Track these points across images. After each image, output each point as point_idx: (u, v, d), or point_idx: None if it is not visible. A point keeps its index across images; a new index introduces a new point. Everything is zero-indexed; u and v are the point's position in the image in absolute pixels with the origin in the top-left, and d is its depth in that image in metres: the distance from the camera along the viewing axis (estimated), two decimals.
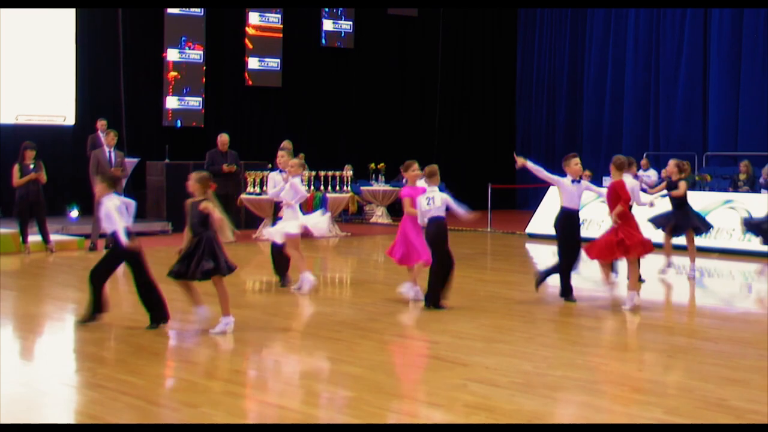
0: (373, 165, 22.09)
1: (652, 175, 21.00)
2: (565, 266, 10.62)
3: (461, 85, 26.33)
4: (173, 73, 21.48)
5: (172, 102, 21.49)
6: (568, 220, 10.57)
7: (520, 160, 10.45)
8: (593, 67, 25.25)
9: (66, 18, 19.77)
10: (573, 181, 10.58)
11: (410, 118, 25.32)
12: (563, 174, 10.67)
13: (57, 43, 19.67)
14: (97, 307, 8.98)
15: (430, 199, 10.14)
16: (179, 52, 21.54)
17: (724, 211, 16.07)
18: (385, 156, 21.91)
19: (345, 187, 19.05)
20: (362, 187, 21.37)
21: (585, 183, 10.85)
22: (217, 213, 8.57)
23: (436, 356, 7.94)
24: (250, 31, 22.71)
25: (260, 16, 22.79)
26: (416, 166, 10.55)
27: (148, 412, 6.34)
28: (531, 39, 26.88)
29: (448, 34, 26.00)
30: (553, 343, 8.62)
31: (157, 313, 8.93)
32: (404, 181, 10.80)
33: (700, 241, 13.84)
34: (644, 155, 22.02)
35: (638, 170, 21.13)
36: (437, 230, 10.13)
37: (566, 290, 10.67)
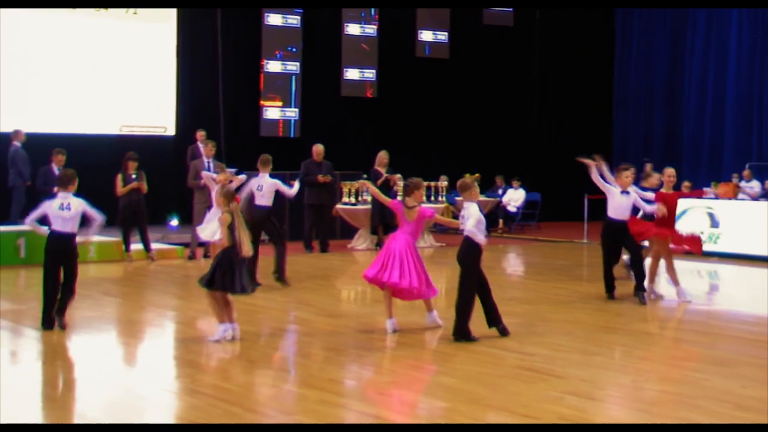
0: (468, 175, 22.00)
1: (755, 186, 20.46)
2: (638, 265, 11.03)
3: (557, 94, 26.05)
4: (270, 85, 21.79)
5: (268, 113, 21.78)
6: (611, 230, 11.01)
7: (587, 161, 10.92)
8: (694, 75, 24.71)
9: (167, 31, 20.24)
10: (622, 193, 10.94)
11: (506, 128, 25.13)
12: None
13: (158, 55, 20.14)
14: None
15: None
16: (276, 63, 21.85)
17: None
18: (480, 166, 21.81)
19: (440, 198, 19.04)
20: (457, 198, 21.30)
21: (634, 195, 11.11)
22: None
23: (531, 368, 7.86)
24: (346, 41, 22.88)
25: (356, 26, 22.95)
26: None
27: (245, 419, 6.41)
28: (628, 48, 26.46)
29: (544, 43, 25.77)
30: (651, 356, 8.45)
31: None
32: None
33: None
34: (746, 166, 21.45)
35: (740, 181, 20.67)
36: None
37: (640, 287, 11.04)
